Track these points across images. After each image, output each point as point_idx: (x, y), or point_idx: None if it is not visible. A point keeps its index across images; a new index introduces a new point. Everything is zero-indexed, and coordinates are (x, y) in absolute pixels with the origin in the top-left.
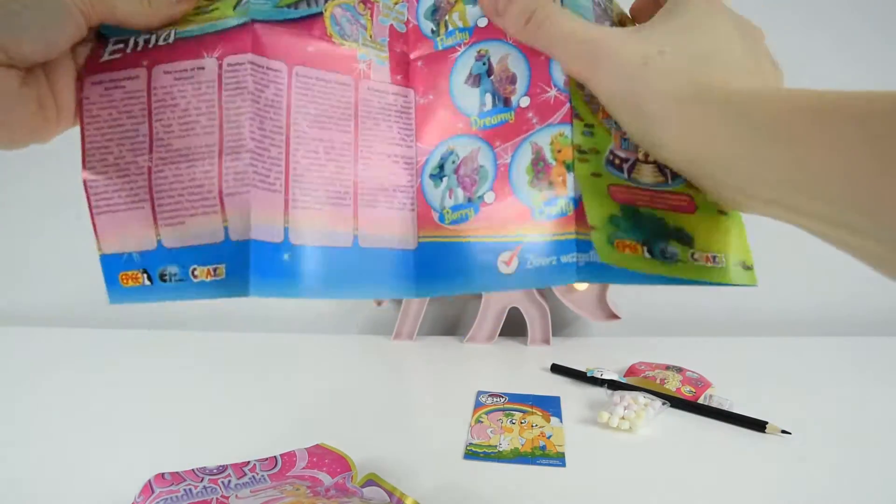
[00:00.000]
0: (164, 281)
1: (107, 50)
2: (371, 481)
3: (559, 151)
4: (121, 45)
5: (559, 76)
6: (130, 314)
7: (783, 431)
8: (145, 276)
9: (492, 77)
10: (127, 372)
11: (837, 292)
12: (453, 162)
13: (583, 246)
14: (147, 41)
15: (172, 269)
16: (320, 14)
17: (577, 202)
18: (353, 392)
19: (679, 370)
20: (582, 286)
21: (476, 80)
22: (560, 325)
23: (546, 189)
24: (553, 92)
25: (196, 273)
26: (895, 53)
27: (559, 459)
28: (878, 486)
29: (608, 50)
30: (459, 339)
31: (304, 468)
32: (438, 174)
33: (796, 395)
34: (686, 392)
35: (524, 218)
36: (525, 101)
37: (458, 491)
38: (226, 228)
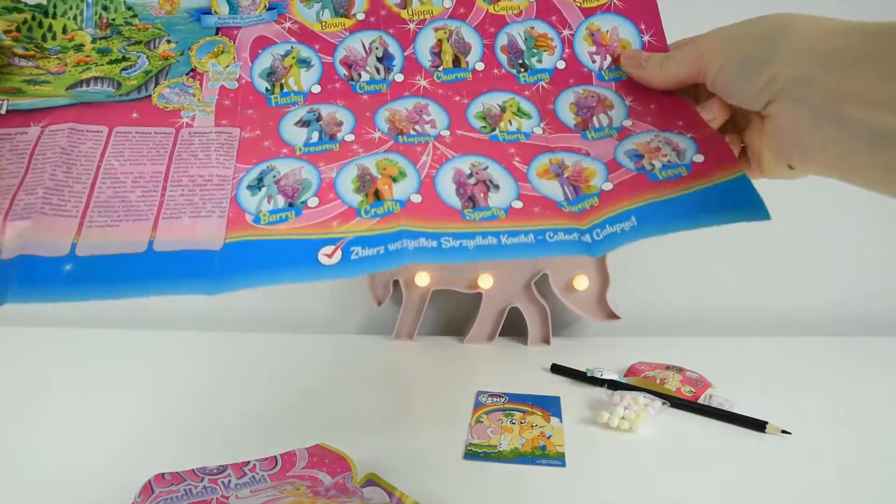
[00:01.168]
0: None
1: None
2: (371, 481)
3: (385, 168)
4: None
5: (382, 124)
6: (129, 314)
7: (783, 431)
8: None
9: (320, 122)
10: (126, 372)
11: (838, 292)
12: (273, 176)
13: (413, 234)
14: None
15: None
16: (149, 96)
17: (405, 203)
18: (353, 392)
19: (679, 370)
20: (582, 286)
21: (305, 123)
22: (560, 325)
23: (372, 195)
24: (377, 133)
25: None
26: None
27: (559, 459)
28: (878, 486)
29: (722, 29)
30: (459, 339)
31: (304, 468)
32: (257, 185)
33: (796, 395)
34: (686, 392)
35: (349, 217)
36: (350, 137)
37: (458, 491)
38: None
